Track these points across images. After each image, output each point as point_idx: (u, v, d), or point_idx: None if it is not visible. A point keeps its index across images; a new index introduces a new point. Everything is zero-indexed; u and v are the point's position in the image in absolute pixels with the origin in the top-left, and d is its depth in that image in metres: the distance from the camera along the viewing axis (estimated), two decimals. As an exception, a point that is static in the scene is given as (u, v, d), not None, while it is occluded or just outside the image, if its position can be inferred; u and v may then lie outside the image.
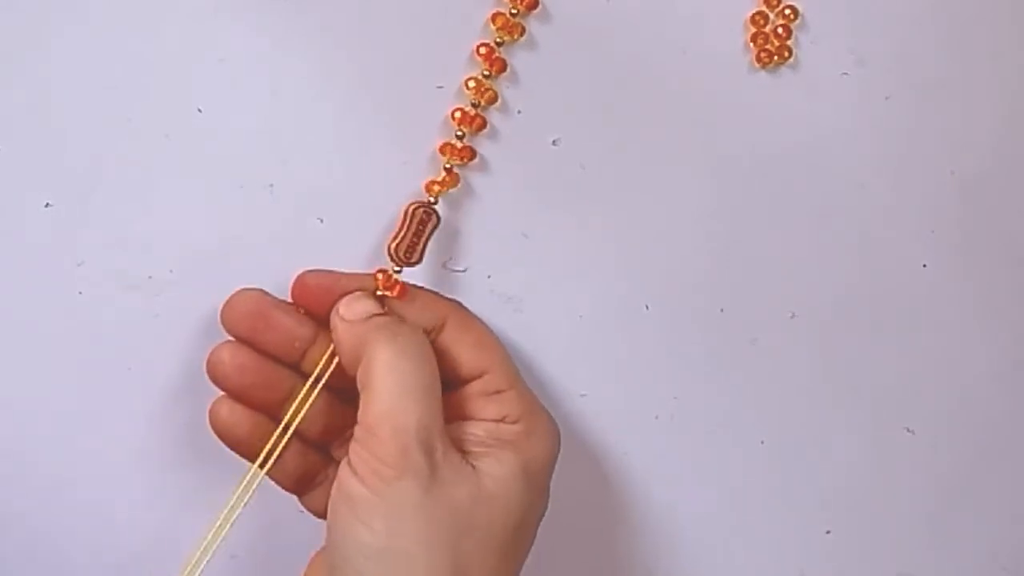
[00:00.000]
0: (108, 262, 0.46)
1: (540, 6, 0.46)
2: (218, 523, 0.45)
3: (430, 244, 0.46)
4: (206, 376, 0.46)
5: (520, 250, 0.49)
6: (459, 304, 0.48)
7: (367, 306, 0.45)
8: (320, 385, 0.46)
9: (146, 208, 0.46)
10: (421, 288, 0.47)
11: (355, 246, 0.47)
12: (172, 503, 0.49)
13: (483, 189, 0.48)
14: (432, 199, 0.46)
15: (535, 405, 0.47)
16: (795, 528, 0.54)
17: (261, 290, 0.46)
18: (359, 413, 0.43)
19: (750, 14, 0.48)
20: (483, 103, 0.46)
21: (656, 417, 0.52)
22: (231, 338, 0.46)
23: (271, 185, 0.47)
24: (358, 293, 0.45)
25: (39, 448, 0.48)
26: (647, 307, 0.51)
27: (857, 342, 0.52)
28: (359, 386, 0.43)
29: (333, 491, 0.43)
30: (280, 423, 0.46)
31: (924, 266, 0.52)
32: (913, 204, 0.52)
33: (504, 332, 0.49)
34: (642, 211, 0.49)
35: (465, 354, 0.46)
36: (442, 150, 0.46)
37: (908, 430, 0.54)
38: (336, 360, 0.45)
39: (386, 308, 0.45)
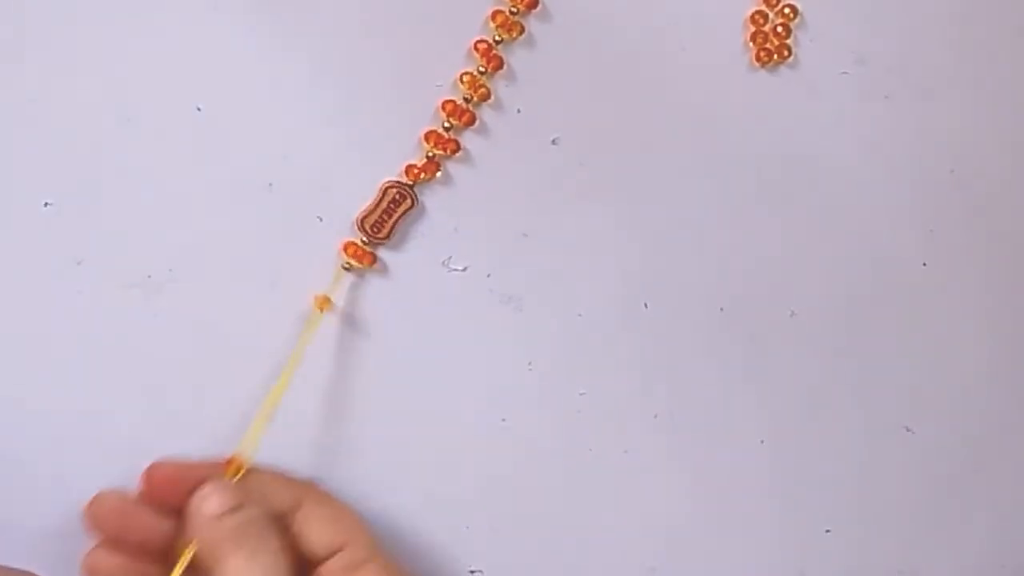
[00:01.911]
0: (107, 261, 0.46)
1: (540, 5, 0.46)
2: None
3: (425, 241, 0.47)
4: (204, 373, 0.46)
5: (520, 249, 0.49)
6: (312, 482, 0.48)
7: (220, 502, 0.44)
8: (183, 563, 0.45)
9: (145, 207, 0.46)
10: (273, 472, 0.47)
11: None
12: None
13: (482, 188, 0.48)
14: (410, 182, 0.46)
15: (399, 571, 0.47)
16: (794, 527, 0.54)
17: (119, 491, 0.46)
18: None
19: (749, 13, 0.48)
20: (475, 99, 0.46)
21: (655, 416, 0.52)
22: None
23: (270, 184, 0.47)
24: (210, 487, 0.45)
25: (38, 447, 0.48)
26: (646, 306, 0.51)
27: (856, 341, 0.52)
28: None
29: None
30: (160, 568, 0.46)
31: (924, 265, 0.52)
32: (913, 203, 0.52)
33: (504, 331, 0.49)
34: (641, 210, 0.49)
35: (322, 530, 0.46)
36: (427, 138, 0.46)
37: (907, 429, 0.54)
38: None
39: (246, 500, 0.45)
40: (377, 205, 0.46)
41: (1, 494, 0.48)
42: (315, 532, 0.46)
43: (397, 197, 0.46)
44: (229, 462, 0.46)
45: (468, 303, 0.49)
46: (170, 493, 0.46)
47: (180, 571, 0.45)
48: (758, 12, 0.48)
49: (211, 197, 0.46)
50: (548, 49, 0.47)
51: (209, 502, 0.44)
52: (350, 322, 0.48)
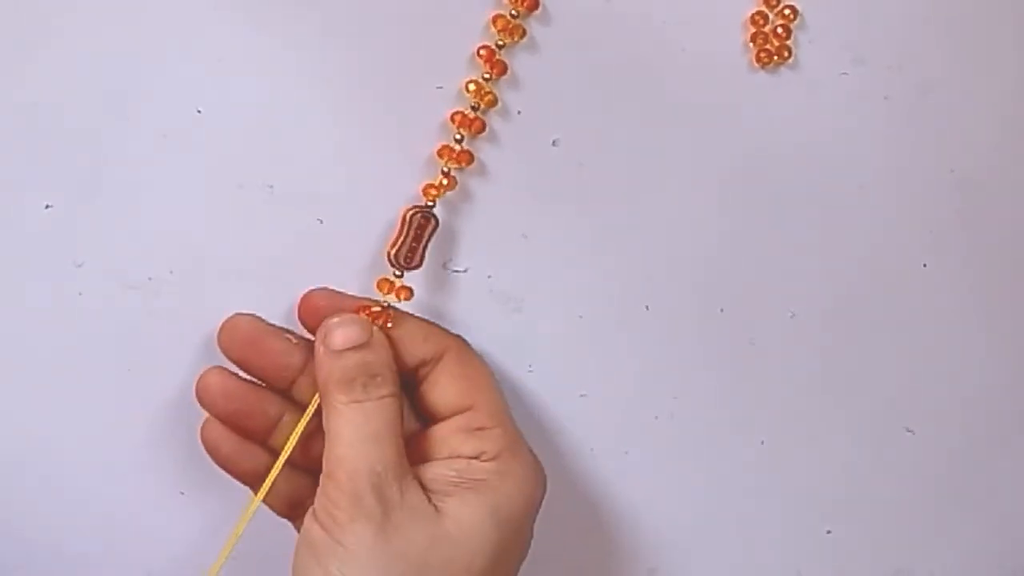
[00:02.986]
0: (108, 263, 0.46)
1: (540, 7, 0.46)
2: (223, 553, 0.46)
3: (429, 246, 0.46)
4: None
5: (520, 250, 0.49)
6: (461, 339, 0.48)
7: (344, 337, 0.44)
8: (310, 412, 0.45)
9: (145, 209, 0.46)
10: (424, 320, 0.47)
11: (355, 247, 0.47)
12: (170, 503, 0.49)
13: (483, 190, 0.48)
14: (430, 203, 0.46)
15: (518, 446, 0.46)
16: (794, 528, 0.54)
17: (254, 315, 0.46)
18: (323, 457, 0.43)
19: (749, 14, 0.48)
20: (483, 106, 0.46)
21: (656, 417, 0.52)
22: (221, 361, 0.46)
23: (271, 186, 0.47)
24: (338, 319, 0.44)
25: (38, 449, 0.48)
26: (647, 307, 0.51)
27: (856, 342, 0.52)
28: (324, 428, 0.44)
29: (298, 535, 0.43)
30: (268, 448, 0.46)
31: (924, 266, 0.52)
32: (912, 204, 0.52)
33: (504, 332, 0.49)
34: (641, 211, 0.49)
35: (454, 388, 0.46)
36: (440, 153, 0.46)
37: (907, 430, 0.54)
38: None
39: (371, 339, 0.44)
40: (403, 235, 0.45)
41: (1, 495, 0.48)
42: (444, 388, 0.45)
43: (422, 222, 0.46)
44: (378, 304, 0.45)
45: (468, 304, 0.49)
46: (318, 324, 0.45)
47: (310, 414, 0.45)
48: (758, 13, 0.48)
49: (211, 199, 0.46)
50: (549, 51, 0.47)
51: (333, 335, 0.44)
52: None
